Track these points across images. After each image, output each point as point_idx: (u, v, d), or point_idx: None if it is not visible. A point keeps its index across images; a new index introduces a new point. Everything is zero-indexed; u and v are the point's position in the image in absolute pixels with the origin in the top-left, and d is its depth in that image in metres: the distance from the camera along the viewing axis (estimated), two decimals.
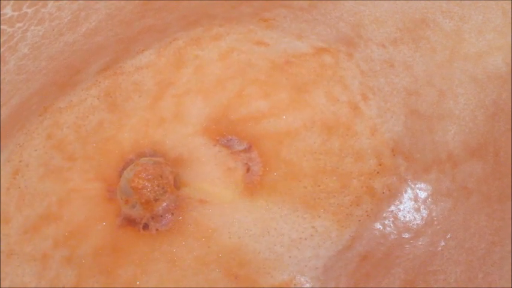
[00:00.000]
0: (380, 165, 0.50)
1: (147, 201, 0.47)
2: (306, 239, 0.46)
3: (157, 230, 0.47)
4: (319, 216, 0.47)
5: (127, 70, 0.56)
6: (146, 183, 0.47)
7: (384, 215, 0.47)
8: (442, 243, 0.44)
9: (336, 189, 0.48)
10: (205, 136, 0.53)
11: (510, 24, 0.56)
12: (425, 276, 0.42)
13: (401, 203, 0.47)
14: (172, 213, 0.48)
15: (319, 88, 0.55)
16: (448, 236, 0.44)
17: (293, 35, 0.59)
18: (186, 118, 0.55)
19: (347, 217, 0.47)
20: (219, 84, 0.57)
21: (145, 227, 0.47)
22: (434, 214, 0.46)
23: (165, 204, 0.48)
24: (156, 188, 0.47)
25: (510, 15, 0.56)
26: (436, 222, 0.45)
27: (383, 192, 0.48)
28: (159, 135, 0.54)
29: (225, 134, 0.53)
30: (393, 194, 0.48)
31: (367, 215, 0.47)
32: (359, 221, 0.47)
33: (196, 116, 0.55)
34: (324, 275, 0.43)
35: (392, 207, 0.47)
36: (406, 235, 0.45)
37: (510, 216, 0.44)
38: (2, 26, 0.55)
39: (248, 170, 0.50)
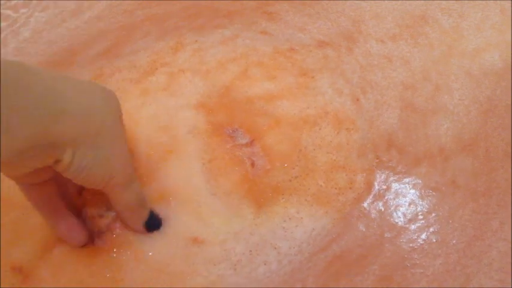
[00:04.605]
0: (377, 159, 0.51)
1: (91, 217, 0.46)
2: (294, 247, 0.46)
3: (94, 244, 0.45)
4: (326, 213, 0.47)
5: (126, 52, 0.58)
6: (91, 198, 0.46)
7: (373, 215, 0.47)
8: (424, 238, 0.45)
9: (345, 186, 0.49)
10: (201, 112, 0.52)
11: (508, 22, 0.57)
12: (402, 271, 0.43)
13: (390, 199, 0.48)
14: (114, 234, 0.46)
15: (324, 78, 0.56)
16: (430, 231, 0.46)
17: (296, 27, 0.62)
18: (178, 91, 0.54)
19: (345, 216, 0.47)
20: (220, 66, 0.57)
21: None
22: (419, 209, 0.47)
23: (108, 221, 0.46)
24: (100, 204, 0.46)
25: (509, 13, 0.57)
26: (420, 217, 0.47)
27: (378, 189, 0.49)
28: (136, 105, 0.52)
29: (231, 122, 0.52)
30: (386, 190, 0.49)
31: (359, 215, 0.47)
32: (350, 220, 0.47)
33: (192, 92, 0.54)
34: (291, 278, 0.43)
35: (381, 206, 0.48)
36: (389, 234, 0.46)
37: (493, 211, 0.45)
38: (6, 11, 0.58)
39: (253, 165, 0.50)
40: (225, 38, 0.60)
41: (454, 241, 0.44)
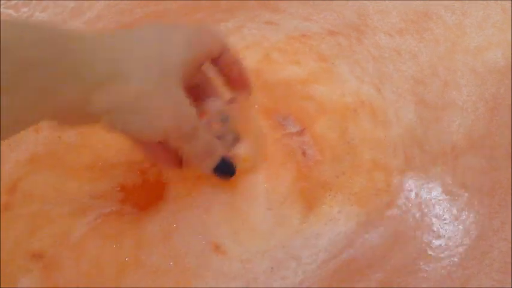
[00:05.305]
0: (406, 157, 0.50)
1: None
2: (312, 256, 0.45)
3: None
4: (358, 215, 0.47)
5: None
6: None
7: (392, 221, 0.46)
8: (430, 244, 0.45)
9: (383, 188, 0.48)
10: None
11: (509, 21, 0.57)
12: (405, 277, 0.43)
13: (410, 205, 0.47)
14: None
15: (342, 65, 0.56)
16: (437, 236, 0.45)
17: (301, 17, 0.61)
18: None
19: (370, 221, 0.47)
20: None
21: None
22: (431, 214, 0.47)
23: None
24: None
25: (510, 13, 0.57)
26: (430, 222, 0.46)
27: (405, 194, 0.48)
28: None
29: (276, 105, 0.51)
30: (409, 194, 0.48)
31: (381, 221, 0.46)
32: (371, 225, 0.46)
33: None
34: (299, 285, 0.43)
35: (401, 212, 0.47)
36: (399, 241, 0.45)
37: (495, 210, 0.46)
38: (7, 11, 0.58)
39: (304, 154, 0.50)
40: (229, 29, 0.59)
41: (457, 243, 0.45)
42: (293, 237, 0.46)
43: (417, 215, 0.47)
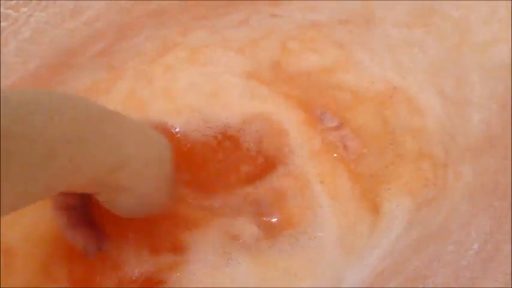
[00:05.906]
0: (444, 150, 0.49)
1: None
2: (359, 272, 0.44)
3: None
4: (398, 206, 0.45)
5: (130, 44, 0.58)
6: None
7: (423, 222, 0.45)
8: (444, 249, 0.44)
9: (430, 179, 0.47)
10: (270, 85, 0.52)
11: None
12: (413, 282, 0.42)
13: (446, 201, 0.46)
14: None
15: (359, 52, 0.55)
16: (450, 241, 0.44)
17: (306, 9, 0.60)
18: (214, 62, 0.53)
19: (412, 218, 0.45)
20: (251, 43, 0.55)
21: None
22: (449, 218, 0.45)
23: None
24: None
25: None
26: (449, 227, 0.45)
27: (446, 191, 0.47)
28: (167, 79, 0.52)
29: (308, 98, 0.51)
30: (445, 192, 0.47)
31: (416, 220, 0.46)
32: (408, 224, 0.45)
33: (234, 66, 0.53)
34: None
35: (435, 213, 0.46)
36: (418, 248, 0.44)
37: (505, 214, 0.45)
38: (7, 11, 0.58)
39: (346, 148, 0.49)
40: (235, 22, 0.59)
41: (467, 247, 0.43)
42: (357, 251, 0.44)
43: (443, 215, 0.45)
